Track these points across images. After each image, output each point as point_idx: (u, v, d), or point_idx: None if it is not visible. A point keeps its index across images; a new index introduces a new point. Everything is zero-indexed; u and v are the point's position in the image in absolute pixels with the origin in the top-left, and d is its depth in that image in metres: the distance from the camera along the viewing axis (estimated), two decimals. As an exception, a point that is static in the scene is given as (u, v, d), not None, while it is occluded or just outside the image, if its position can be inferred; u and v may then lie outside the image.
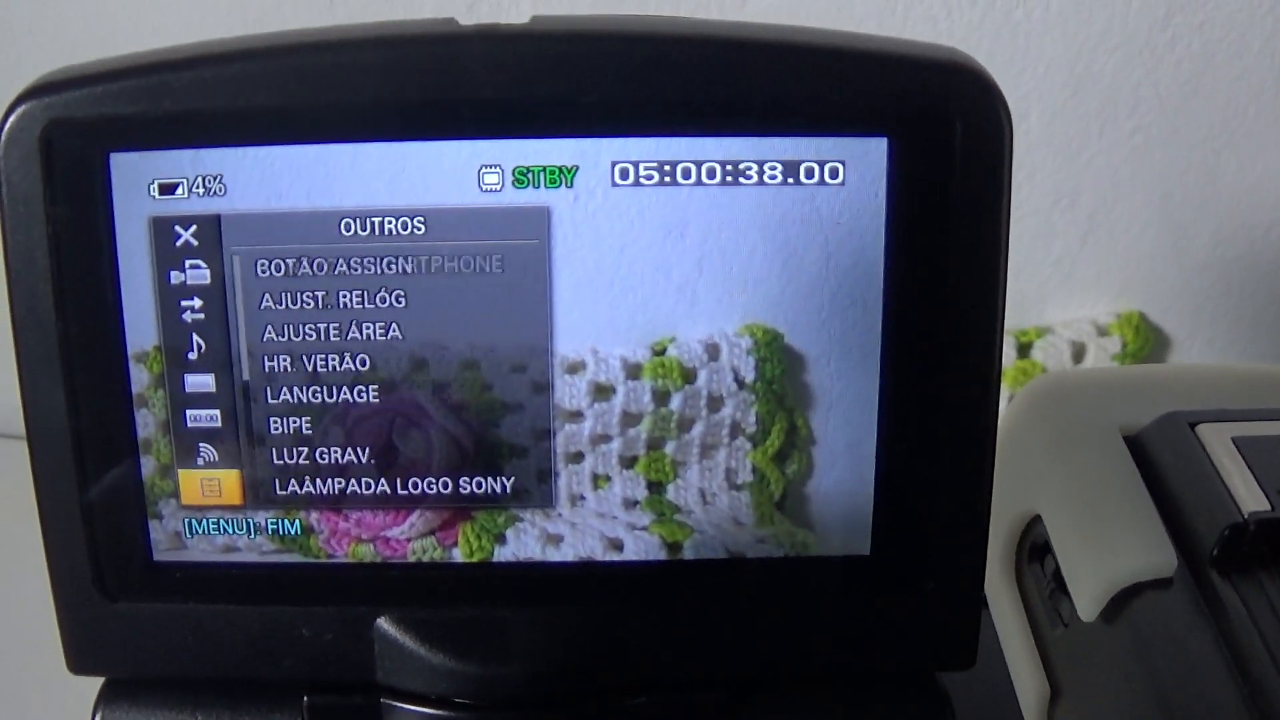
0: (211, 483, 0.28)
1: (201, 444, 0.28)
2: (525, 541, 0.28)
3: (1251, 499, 0.34)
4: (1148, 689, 0.34)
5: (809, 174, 0.26)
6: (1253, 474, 0.35)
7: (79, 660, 0.29)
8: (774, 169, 0.26)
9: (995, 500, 0.39)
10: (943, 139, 0.26)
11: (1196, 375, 0.42)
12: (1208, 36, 0.55)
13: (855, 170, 0.26)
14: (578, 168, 0.26)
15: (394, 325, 0.27)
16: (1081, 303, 0.58)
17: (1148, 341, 0.58)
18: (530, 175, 0.26)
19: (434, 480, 0.28)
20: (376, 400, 0.28)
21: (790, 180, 0.26)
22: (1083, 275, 0.58)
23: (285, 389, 0.28)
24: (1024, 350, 0.57)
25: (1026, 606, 0.38)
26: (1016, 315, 0.57)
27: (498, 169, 0.26)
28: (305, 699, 0.29)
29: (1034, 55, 0.54)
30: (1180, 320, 0.58)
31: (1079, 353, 0.57)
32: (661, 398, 0.28)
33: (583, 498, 0.28)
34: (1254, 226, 0.57)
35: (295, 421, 0.28)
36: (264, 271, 0.27)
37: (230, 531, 0.29)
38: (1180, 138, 0.56)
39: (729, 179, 0.26)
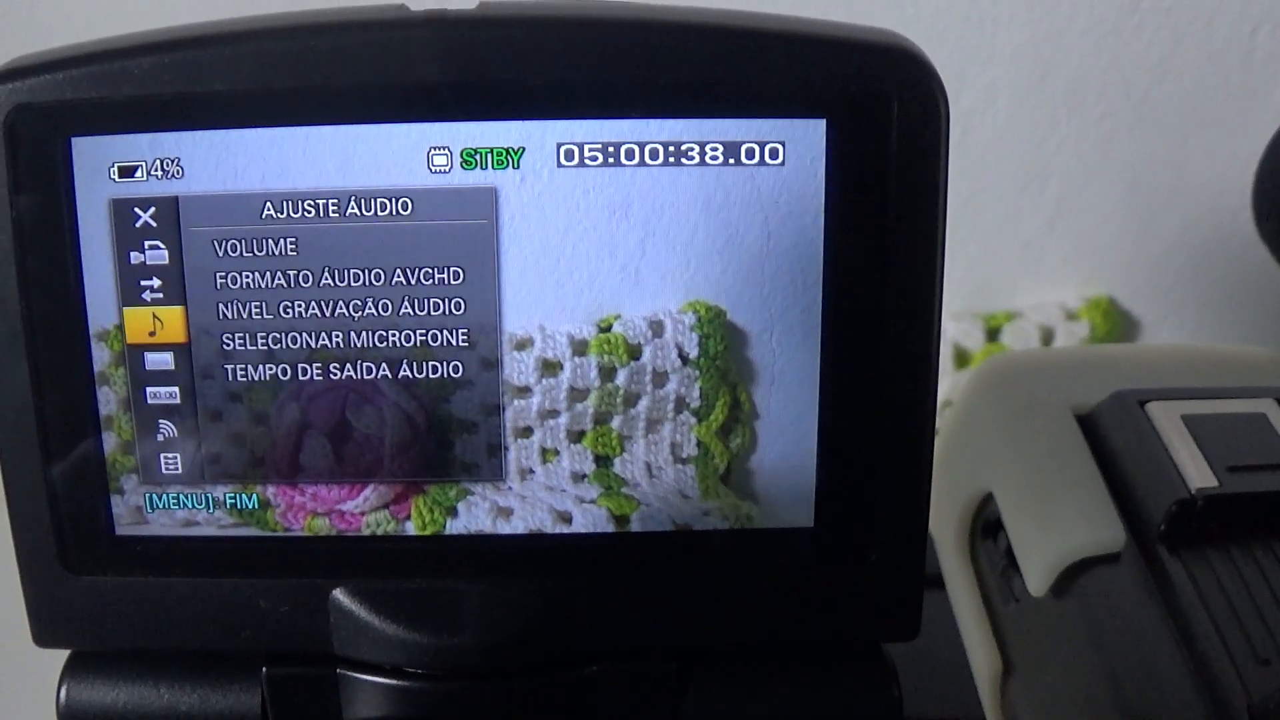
0: (171, 458, 0.29)
1: (161, 420, 0.29)
2: (476, 514, 0.29)
3: (1199, 475, 0.35)
4: (1096, 663, 0.35)
5: (749, 154, 0.27)
6: (1201, 451, 0.36)
7: (44, 633, 0.30)
8: (715, 150, 0.27)
9: (949, 479, 0.40)
10: (880, 120, 0.27)
11: (1148, 355, 0.43)
12: (1175, 21, 0.56)
13: (795, 151, 0.27)
14: (524, 149, 0.27)
15: (346, 303, 0.28)
16: (1050, 287, 0.59)
17: (1116, 326, 0.59)
18: (478, 157, 0.27)
19: (387, 455, 0.29)
20: (330, 377, 0.29)
21: (731, 161, 0.27)
22: (1051, 260, 0.59)
23: (242, 367, 0.29)
24: (992, 335, 0.58)
25: (980, 583, 0.39)
26: (985, 299, 0.58)
27: (446, 151, 0.27)
28: (264, 670, 0.30)
29: (1001, 41, 0.56)
30: (1149, 304, 0.59)
31: (1047, 337, 0.58)
32: (607, 373, 0.29)
33: (532, 471, 0.29)
34: (1221, 210, 0.58)
35: (252, 398, 0.29)
36: (220, 252, 0.28)
37: (190, 506, 0.30)
38: (1148, 123, 0.57)
39: (671, 160, 0.27)
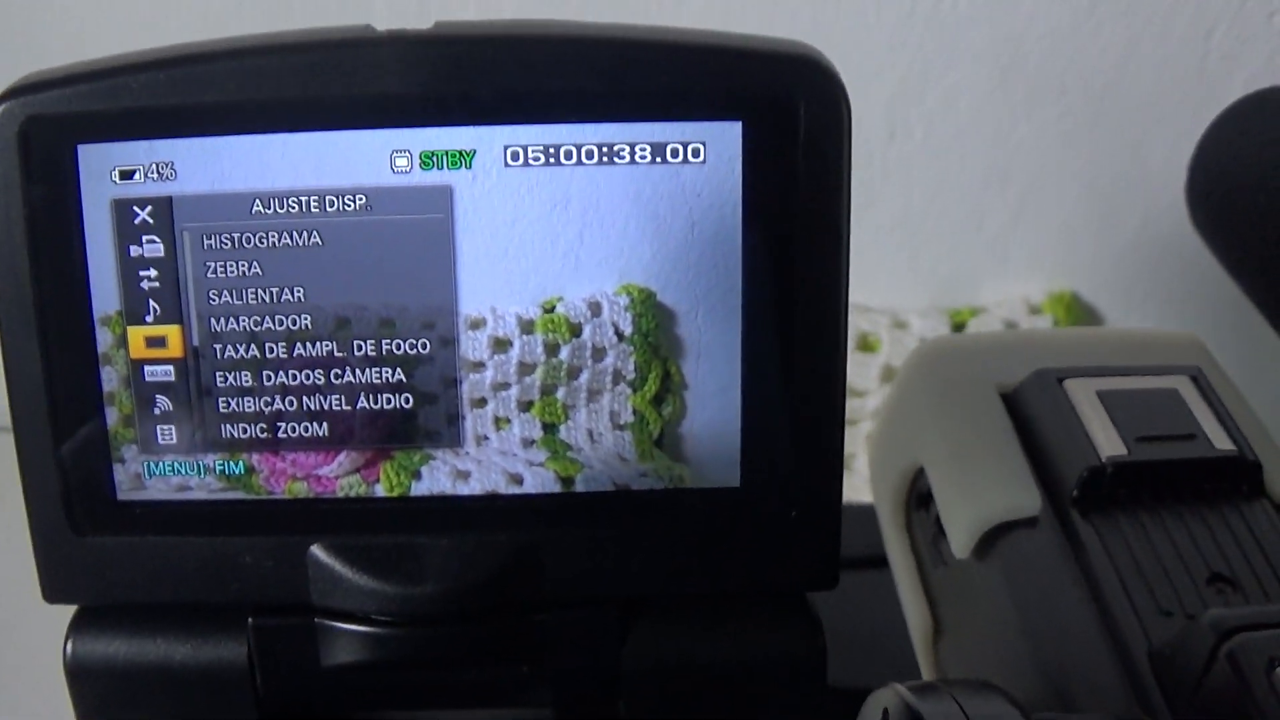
0: (166, 430, 0.35)
1: (158, 396, 0.35)
2: (438, 477, 0.35)
3: (1110, 445, 0.40)
4: (1015, 619, 0.40)
5: (674, 154, 0.33)
6: (1113, 423, 0.41)
7: (53, 590, 0.36)
8: (644, 150, 0.33)
9: (886, 455, 0.45)
10: (789, 123, 0.33)
11: (1074, 338, 0.48)
12: (1132, 23, 0.61)
13: (714, 150, 0.33)
14: (475, 151, 0.33)
15: (321, 290, 0.34)
16: (1014, 283, 0.64)
17: (1079, 320, 0.64)
18: (435, 158, 0.33)
19: (358, 424, 0.35)
20: (308, 354, 0.34)
21: (658, 160, 0.33)
22: (1015, 256, 0.64)
23: (229, 347, 0.34)
24: (958, 330, 0.63)
25: (914, 551, 0.45)
26: (950, 295, 0.64)
27: (407, 153, 0.33)
28: (250, 620, 0.36)
29: (963, 45, 0.61)
30: (1112, 298, 0.65)
31: (1011, 330, 0.63)
32: (552, 349, 0.34)
33: (487, 438, 0.35)
34: (1180, 206, 0.63)
35: (238, 375, 0.34)
36: (209, 245, 0.34)
37: (183, 473, 0.35)
38: (1106, 122, 0.62)
39: (605, 159, 0.33)
